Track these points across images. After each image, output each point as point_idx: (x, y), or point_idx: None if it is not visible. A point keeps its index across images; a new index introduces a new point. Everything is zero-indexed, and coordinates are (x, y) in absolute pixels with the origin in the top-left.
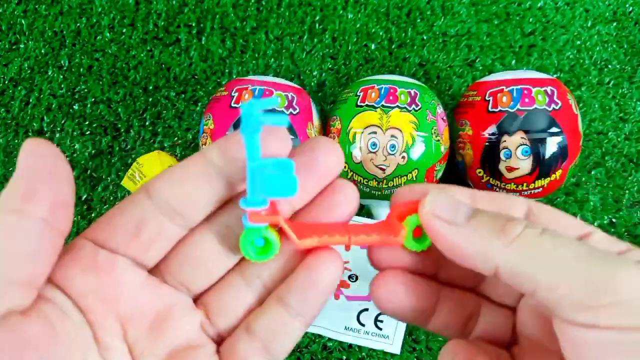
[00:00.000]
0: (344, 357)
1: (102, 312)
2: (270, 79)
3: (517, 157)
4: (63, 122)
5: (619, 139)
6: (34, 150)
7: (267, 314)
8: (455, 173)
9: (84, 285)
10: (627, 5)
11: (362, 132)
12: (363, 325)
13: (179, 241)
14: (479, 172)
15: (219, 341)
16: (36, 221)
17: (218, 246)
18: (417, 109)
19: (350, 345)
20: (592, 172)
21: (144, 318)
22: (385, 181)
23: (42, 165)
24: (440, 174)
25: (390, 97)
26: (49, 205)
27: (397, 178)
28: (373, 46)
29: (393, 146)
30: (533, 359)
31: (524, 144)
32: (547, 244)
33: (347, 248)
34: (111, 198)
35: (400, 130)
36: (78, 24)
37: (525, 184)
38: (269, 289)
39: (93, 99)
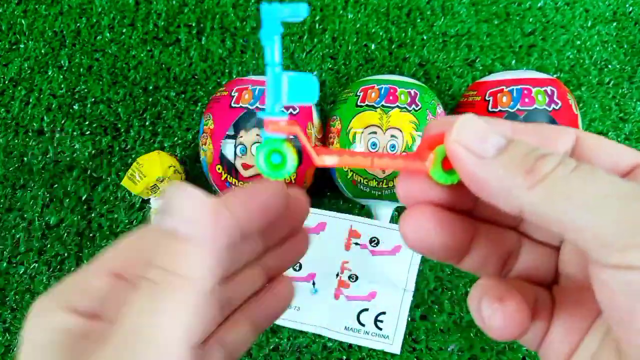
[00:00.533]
0: (344, 357)
1: None
2: None
3: None
4: (63, 122)
5: (619, 139)
6: None
7: (238, 330)
8: None
9: None
10: (627, 5)
11: (362, 132)
12: (363, 325)
13: None
14: None
15: None
16: None
17: None
18: (417, 109)
19: (350, 345)
20: None
21: None
22: (385, 181)
23: None
24: None
25: (390, 97)
26: None
27: (397, 178)
28: (373, 46)
29: (393, 146)
30: (574, 298)
31: None
32: (576, 182)
33: (371, 167)
34: (111, 198)
35: (401, 130)
36: (78, 24)
37: None
38: (234, 306)
39: (93, 99)
